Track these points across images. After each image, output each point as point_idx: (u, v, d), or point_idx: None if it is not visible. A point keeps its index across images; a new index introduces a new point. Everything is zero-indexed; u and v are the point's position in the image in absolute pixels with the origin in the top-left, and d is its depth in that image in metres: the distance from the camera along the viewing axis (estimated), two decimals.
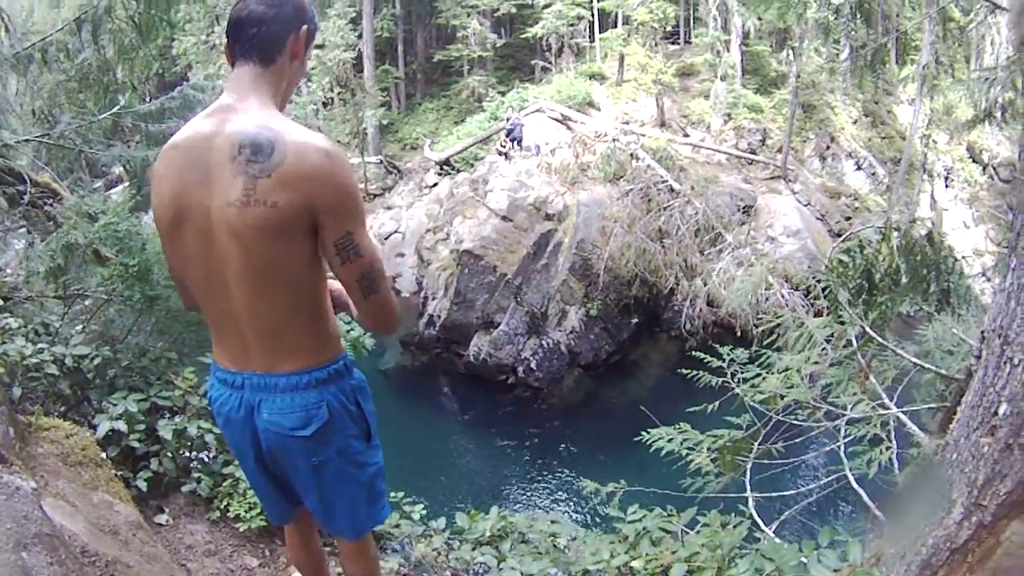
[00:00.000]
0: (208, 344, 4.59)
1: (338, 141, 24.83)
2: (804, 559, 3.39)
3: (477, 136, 22.76)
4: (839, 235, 22.42)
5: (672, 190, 19.81)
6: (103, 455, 3.31)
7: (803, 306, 17.52)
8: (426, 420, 17.24)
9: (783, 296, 17.87)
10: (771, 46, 25.25)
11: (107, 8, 5.42)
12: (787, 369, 4.99)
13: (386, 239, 20.90)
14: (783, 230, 20.84)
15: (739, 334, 16.91)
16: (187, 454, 3.85)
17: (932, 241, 4.30)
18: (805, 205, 22.31)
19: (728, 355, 5.52)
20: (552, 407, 17.29)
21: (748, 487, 4.89)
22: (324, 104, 25.00)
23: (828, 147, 24.87)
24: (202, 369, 4.14)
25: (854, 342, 4.64)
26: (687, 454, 4.96)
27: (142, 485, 3.48)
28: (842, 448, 4.53)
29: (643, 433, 5.15)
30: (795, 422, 5.10)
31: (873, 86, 26.91)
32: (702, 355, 5.67)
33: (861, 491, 4.18)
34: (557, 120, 22.21)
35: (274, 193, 1.63)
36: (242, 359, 1.87)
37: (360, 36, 25.91)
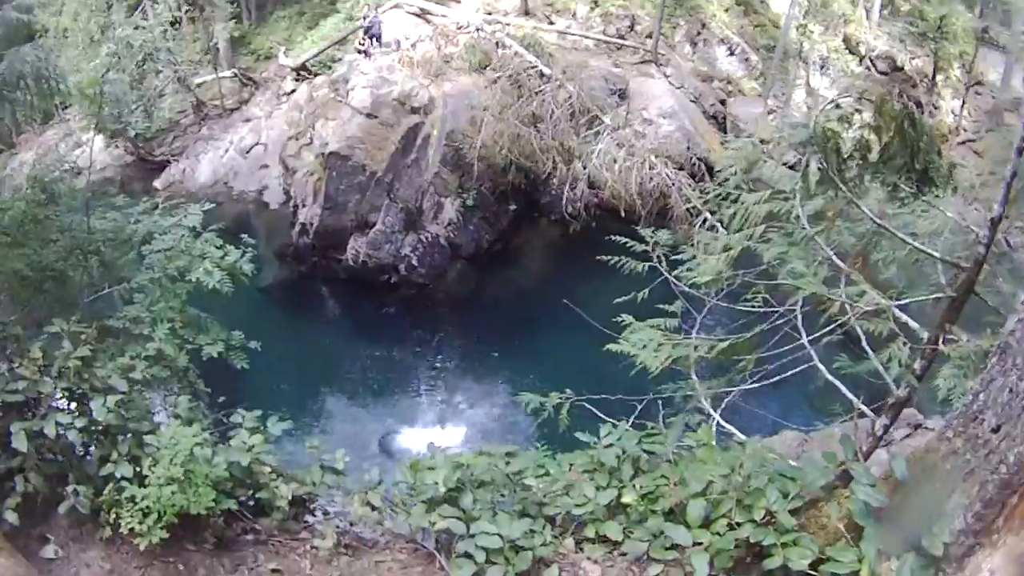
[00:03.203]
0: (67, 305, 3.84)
1: (189, 60, 23.13)
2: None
3: (333, 38, 21.68)
4: (715, 117, 22.59)
5: (542, 75, 19.27)
6: None
7: (690, 185, 17.52)
8: (316, 335, 16.40)
9: (668, 176, 17.63)
10: None
11: None
12: (728, 248, 4.93)
13: (248, 152, 19.65)
14: (659, 111, 20.68)
15: (623, 215, 16.77)
16: (53, 457, 3.19)
17: (913, 120, 4.07)
18: (678, 88, 22.23)
19: (651, 238, 5.50)
20: (440, 303, 16.88)
21: (695, 378, 4.96)
22: (172, 23, 23.05)
23: (699, 33, 24.80)
24: (53, 339, 3.50)
25: (805, 222, 4.55)
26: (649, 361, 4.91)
27: (11, 517, 2.89)
28: (804, 337, 4.50)
29: (609, 343, 5.22)
30: (738, 308, 5.01)
31: None
32: (622, 239, 5.58)
33: (841, 386, 4.23)
34: (416, 15, 21.30)
35: None
36: None
37: None
